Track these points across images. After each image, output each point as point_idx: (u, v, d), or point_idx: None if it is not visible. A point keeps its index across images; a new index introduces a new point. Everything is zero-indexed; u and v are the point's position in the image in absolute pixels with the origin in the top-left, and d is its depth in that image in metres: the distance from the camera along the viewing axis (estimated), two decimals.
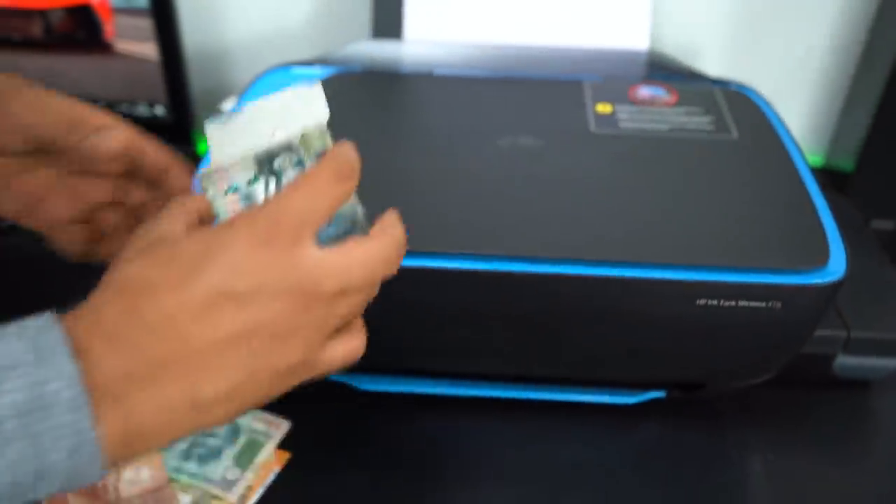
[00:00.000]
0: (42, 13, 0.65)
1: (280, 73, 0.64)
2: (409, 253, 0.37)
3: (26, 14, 0.64)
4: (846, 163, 0.76)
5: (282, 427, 0.54)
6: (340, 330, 0.33)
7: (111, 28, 0.67)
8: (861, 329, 0.54)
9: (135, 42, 0.67)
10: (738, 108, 0.60)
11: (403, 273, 0.36)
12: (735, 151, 0.54)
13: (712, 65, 0.79)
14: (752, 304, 0.45)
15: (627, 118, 0.58)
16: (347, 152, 0.32)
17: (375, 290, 0.34)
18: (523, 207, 0.48)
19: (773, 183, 0.51)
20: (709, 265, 0.45)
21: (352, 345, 0.34)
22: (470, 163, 0.52)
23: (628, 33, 0.70)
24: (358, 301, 0.33)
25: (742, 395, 0.56)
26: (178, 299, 0.28)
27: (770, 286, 0.44)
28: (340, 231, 0.34)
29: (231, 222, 0.30)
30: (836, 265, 0.45)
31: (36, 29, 0.65)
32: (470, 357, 0.53)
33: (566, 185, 0.50)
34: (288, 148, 0.34)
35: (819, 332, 0.52)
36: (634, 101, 0.60)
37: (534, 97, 0.61)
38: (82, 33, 0.66)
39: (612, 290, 0.45)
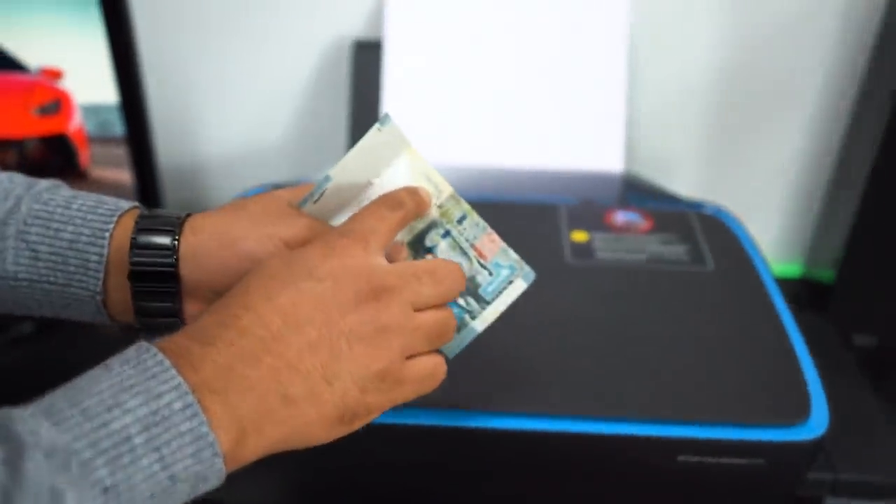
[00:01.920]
0: (17, 143, 0.64)
1: None
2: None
3: (1, 144, 0.64)
4: (826, 274, 0.76)
5: None
6: (420, 354, 0.35)
7: (86, 156, 0.66)
8: (849, 471, 0.52)
9: (111, 169, 0.67)
10: (714, 234, 0.59)
11: (374, 430, 0.35)
12: (712, 286, 0.53)
13: (688, 181, 0.79)
14: (735, 460, 0.44)
15: (603, 247, 0.57)
16: (396, 191, 0.38)
17: (448, 317, 0.36)
18: (495, 356, 0.47)
19: (751, 326, 0.50)
20: (688, 420, 0.44)
21: (433, 361, 0.35)
22: None
23: (603, 155, 0.70)
24: (432, 319, 0.35)
25: None
26: (267, 303, 0.31)
27: (751, 443, 0.43)
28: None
29: (308, 242, 0.35)
30: (819, 419, 0.44)
31: (11, 158, 0.64)
32: None
33: (541, 328, 0.49)
34: (433, 224, 0.38)
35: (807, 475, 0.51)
36: (610, 228, 0.60)
37: (509, 222, 0.59)
38: (58, 162, 0.66)
39: (590, 446, 0.44)
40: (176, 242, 0.37)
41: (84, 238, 0.37)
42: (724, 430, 0.43)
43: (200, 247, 0.37)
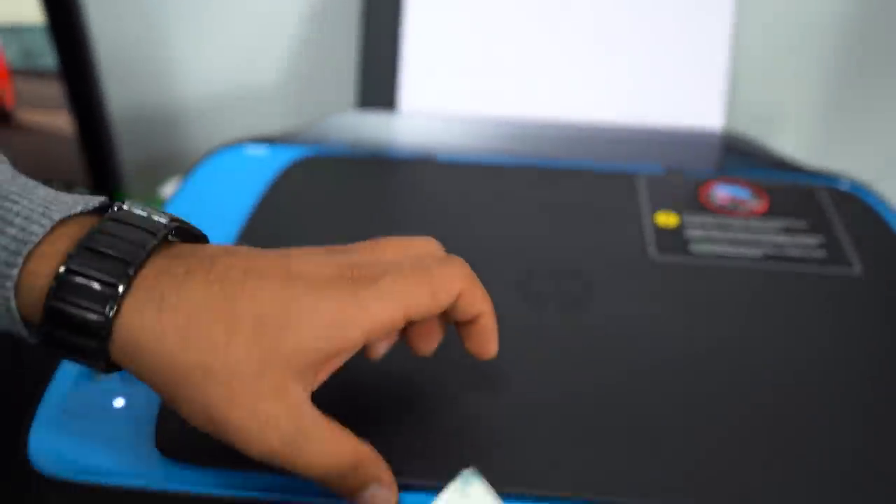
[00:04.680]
0: None
1: (232, 154, 0.48)
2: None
3: None
4: None
5: None
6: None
7: (10, 93, 0.51)
8: None
9: (45, 110, 0.52)
10: (856, 220, 0.44)
11: None
12: (860, 298, 0.38)
13: (797, 143, 0.62)
14: None
15: (701, 236, 0.43)
16: None
17: None
18: (561, 421, 0.31)
19: None
20: None
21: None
22: None
23: (696, 106, 0.53)
24: None
25: None
26: None
27: None
28: None
29: None
30: None
31: None
32: None
33: (613, 365, 0.33)
34: None
35: None
36: (709, 208, 0.45)
37: (570, 198, 0.45)
38: None
39: None
40: (106, 319, 0.22)
41: None
42: None
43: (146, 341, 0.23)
